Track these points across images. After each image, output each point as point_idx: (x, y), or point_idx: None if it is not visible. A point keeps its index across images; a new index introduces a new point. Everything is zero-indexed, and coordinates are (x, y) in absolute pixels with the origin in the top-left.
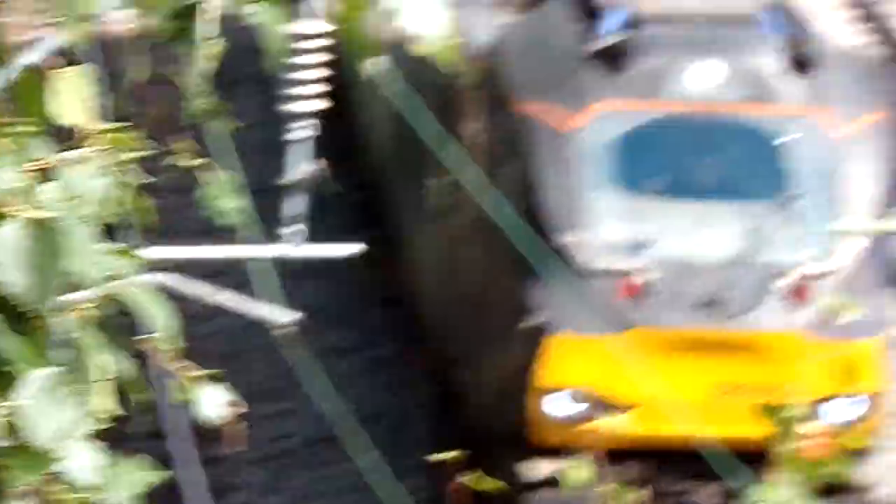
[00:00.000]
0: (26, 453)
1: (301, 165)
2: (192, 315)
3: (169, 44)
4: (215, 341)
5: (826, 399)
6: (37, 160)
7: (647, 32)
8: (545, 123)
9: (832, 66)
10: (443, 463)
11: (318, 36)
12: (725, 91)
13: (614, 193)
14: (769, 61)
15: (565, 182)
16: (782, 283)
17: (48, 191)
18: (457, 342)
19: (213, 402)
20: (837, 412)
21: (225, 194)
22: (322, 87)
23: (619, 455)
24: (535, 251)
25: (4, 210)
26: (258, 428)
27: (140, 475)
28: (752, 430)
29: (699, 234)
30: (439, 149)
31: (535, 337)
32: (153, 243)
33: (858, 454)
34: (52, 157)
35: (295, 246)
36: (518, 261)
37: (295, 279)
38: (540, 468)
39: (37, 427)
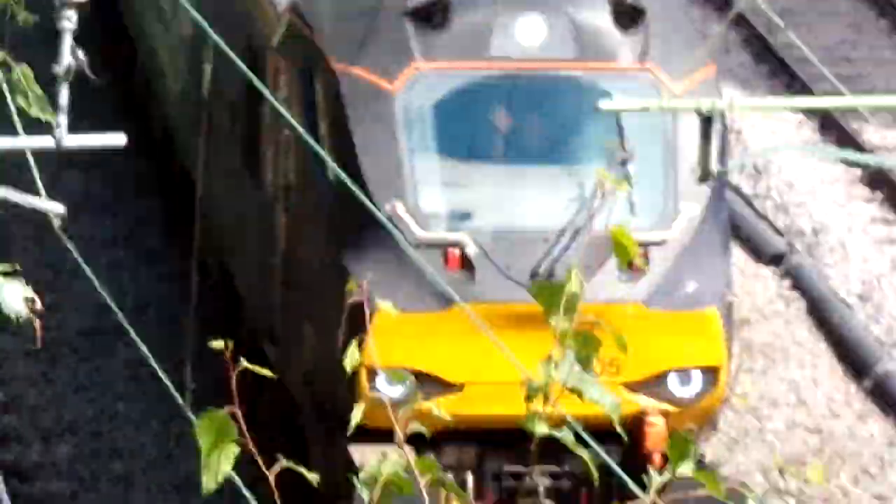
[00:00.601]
0: None
1: (64, 56)
2: None
3: None
4: None
5: (668, 372)
6: None
7: None
8: (361, 85)
9: (660, 20)
10: (214, 352)
11: None
12: (552, 48)
13: (437, 159)
14: (596, 16)
15: (385, 147)
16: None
17: None
18: (258, 293)
19: (15, 297)
20: (681, 384)
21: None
22: None
23: (451, 436)
24: (356, 220)
25: None
26: (27, 320)
27: None
28: (585, 407)
29: (528, 201)
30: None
31: (356, 312)
32: None
33: (703, 427)
34: None
35: (57, 137)
36: (335, 228)
37: (61, 169)
38: (365, 452)
39: None
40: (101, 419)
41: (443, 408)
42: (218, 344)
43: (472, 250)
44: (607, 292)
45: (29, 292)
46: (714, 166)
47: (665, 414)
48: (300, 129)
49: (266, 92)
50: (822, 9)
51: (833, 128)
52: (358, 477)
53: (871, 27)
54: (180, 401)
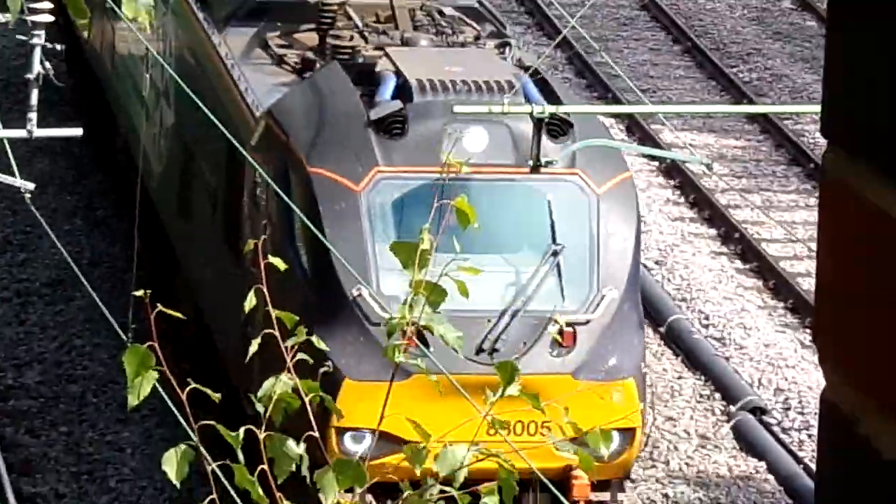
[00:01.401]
0: None
1: (35, 66)
2: None
3: None
4: None
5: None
6: None
7: (419, 101)
8: (331, 185)
9: (585, 133)
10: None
11: None
12: (494, 156)
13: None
14: (530, 127)
15: (352, 239)
16: (549, 331)
17: None
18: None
19: None
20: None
21: None
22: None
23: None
24: (326, 304)
25: None
26: (4, 273)
27: None
28: (520, 462)
29: (474, 286)
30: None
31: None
32: None
33: (617, 481)
34: None
35: (29, 129)
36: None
37: (33, 155)
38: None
39: None
40: (61, 352)
41: (400, 463)
42: (140, 293)
43: (421, 329)
44: (541, 366)
45: None
46: (542, 160)
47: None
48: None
49: (248, 157)
50: (629, 35)
51: (637, 130)
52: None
53: (668, 50)
54: (123, 337)
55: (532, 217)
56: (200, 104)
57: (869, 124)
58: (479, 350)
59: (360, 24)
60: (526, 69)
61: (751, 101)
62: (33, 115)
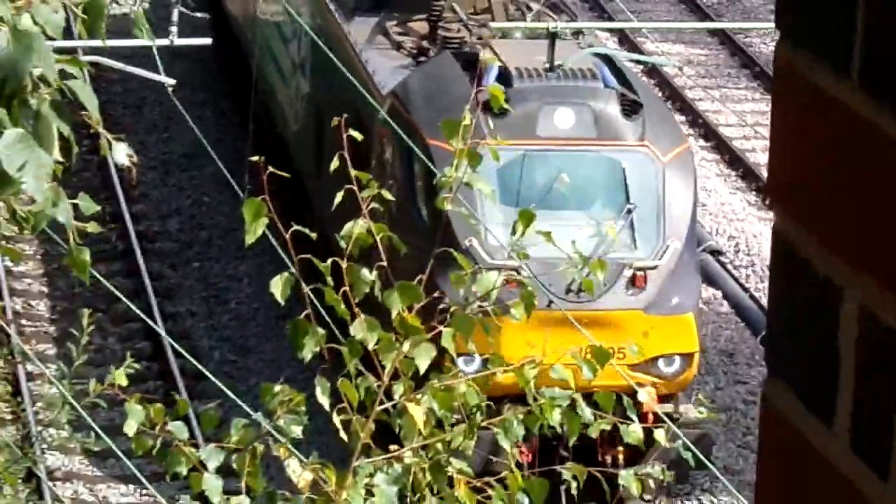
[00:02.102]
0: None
1: None
2: (109, 83)
3: None
4: (124, 96)
5: (659, 357)
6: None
7: (518, 87)
8: (446, 154)
9: (652, 112)
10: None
11: None
12: (579, 131)
13: (500, 209)
14: (609, 107)
15: (465, 200)
16: (625, 275)
17: (26, 18)
18: None
19: (122, 153)
20: (667, 365)
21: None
22: None
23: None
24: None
25: None
26: (152, 148)
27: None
28: (606, 381)
29: (563, 238)
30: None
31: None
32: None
33: (680, 393)
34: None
35: (171, 39)
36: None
37: (173, 59)
38: None
39: (11, 163)
40: (194, 206)
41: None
42: (254, 158)
43: (524, 273)
44: (618, 303)
45: (129, 150)
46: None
47: (655, 385)
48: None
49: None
50: None
51: (626, 42)
52: None
53: None
54: (241, 194)
55: (610, 181)
56: (345, 71)
57: (813, 18)
58: (568, 290)
59: (464, 17)
60: (601, 56)
61: (711, 20)
62: (174, 28)
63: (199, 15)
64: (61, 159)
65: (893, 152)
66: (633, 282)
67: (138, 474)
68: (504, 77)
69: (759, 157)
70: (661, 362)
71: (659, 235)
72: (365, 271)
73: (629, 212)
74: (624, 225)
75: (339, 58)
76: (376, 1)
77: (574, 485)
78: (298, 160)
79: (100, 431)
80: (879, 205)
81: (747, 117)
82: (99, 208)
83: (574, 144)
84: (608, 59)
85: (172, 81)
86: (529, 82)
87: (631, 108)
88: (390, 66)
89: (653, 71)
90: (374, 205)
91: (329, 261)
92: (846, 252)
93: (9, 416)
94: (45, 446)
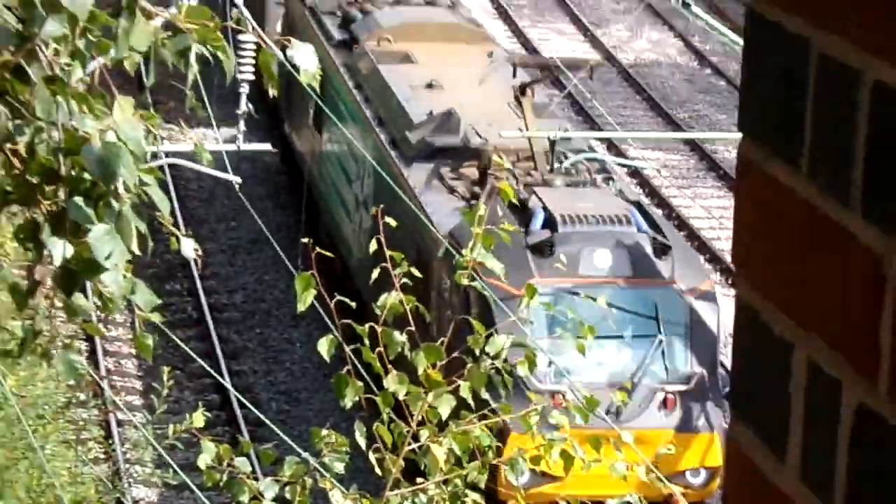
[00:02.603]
0: (89, 265)
1: (242, 106)
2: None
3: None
4: (199, 191)
5: (687, 470)
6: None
7: (562, 231)
8: (500, 291)
9: (677, 252)
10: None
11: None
12: (616, 270)
13: (548, 339)
14: (642, 249)
15: (514, 329)
16: (657, 398)
17: (111, 134)
18: None
19: (190, 246)
20: (694, 477)
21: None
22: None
23: None
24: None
25: (89, 135)
26: (222, 235)
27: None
28: (642, 493)
29: (604, 363)
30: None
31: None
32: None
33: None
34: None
35: (237, 144)
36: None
37: (239, 161)
38: None
39: (99, 252)
40: (256, 283)
41: (551, 490)
42: (304, 240)
43: (570, 396)
44: (652, 422)
45: (195, 244)
46: (554, 167)
47: (684, 494)
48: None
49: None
50: (609, 90)
51: (613, 148)
52: None
53: (632, 99)
54: (294, 272)
55: (644, 315)
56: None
57: (768, 119)
58: (607, 411)
59: (510, 166)
60: (632, 202)
61: (683, 131)
62: (240, 135)
63: (268, 149)
64: (139, 251)
65: (835, 232)
66: (664, 404)
67: None
68: (550, 222)
69: (724, 244)
70: (688, 474)
71: (687, 363)
72: (396, 334)
73: (660, 342)
74: (656, 354)
75: (399, 199)
76: (431, 151)
77: None
78: (360, 285)
79: (177, 468)
80: (823, 277)
81: (713, 211)
82: (160, 301)
83: (612, 282)
84: (640, 207)
85: (238, 179)
86: (572, 227)
87: (661, 249)
88: (446, 208)
89: (635, 172)
90: (405, 280)
91: (367, 325)
92: (796, 315)
93: (102, 456)
94: (131, 481)
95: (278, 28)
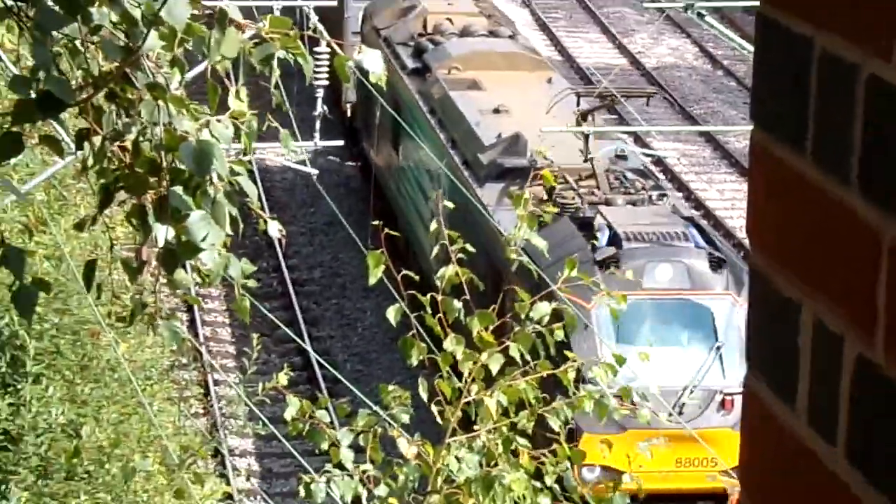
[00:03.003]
0: (188, 246)
1: (318, 108)
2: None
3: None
4: (282, 182)
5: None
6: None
7: (626, 248)
8: (570, 302)
9: (731, 264)
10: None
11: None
12: (676, 283)
13: (615, 345)
14: (699, 264)
15: (586, 339)
16: (716, 399)
17: (205, 132)
18: None
19: (275, 228)
20: None
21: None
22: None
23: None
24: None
25: (187, 134)
26: (301, 219)
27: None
28: (700, 486)
29: (667, 368)
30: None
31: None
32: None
33: None
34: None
35: (315, 142)
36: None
37: (317, 155)
38: None
39: (196, 234)
40: (332, 260)
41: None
42: (376, 222)
43: (636, 398)
44: (712, 423)
45: (279, 226)
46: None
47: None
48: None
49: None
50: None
51: (639, 141)
52: None
53: (654, 100)
54: (364, 250)
55: (702, 324)
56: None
57: (776, 110)
58: (670, 413)
59: (575, 186)
60: (687, 218)
61: (699, 125)
62: (317, 133)
63: (340, 144)
64: (231, 233)
65: (837, 208)
66: (722, 405)
67: (294, 451)
68: (615, 239)
69: (735, 222)
70: None
71: (742, 366)
72: (455, 301)
73: (718, 348)
74: (714, 359)
75: (474, 215)
76: (501, 171)
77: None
78: (435, 286)
79: (266, 420)
80: (827, 246)
81: (726, 194)
82: (255, 268)
83: (672, 294)
84: (694, 222)
85: (316, 171)
86: (636, 244)
87: (716, 263)
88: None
89: (658, 161)
90: (461, 255)
91: (429, 295)
92: (803, 278)
93: (201, 411)
94: (227, 432)
95: (355, 55)
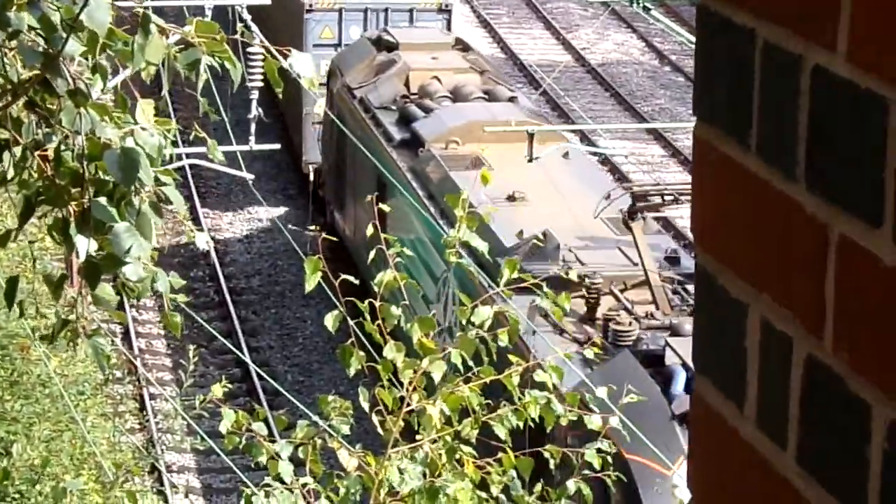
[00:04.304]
0: (111, 259)
1: (253, 111)
2: (206, 178)
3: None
4: (217, 188)
5: None
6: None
7: None
8: (646, 469)
9: None
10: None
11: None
12: None
13: None
14: None
15: None
16: None
17: (129, 140)
18: None
19: (203, 240)
20: None
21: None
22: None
23: None
24: None
25: (110, 142)
26: (237, 226)
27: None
28: None
29: None
30: None
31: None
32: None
33: None
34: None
35: (250, 145)
36: None
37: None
38: None
39: (120, 246)
40: (271, 268)
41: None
42: (313, 227)
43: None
44: None
45: (207, 237)
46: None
47: None
48: None
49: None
50: (581, 87)
51: (586, 139)
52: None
53: (601, 95)
54: (303, 256)
55: None
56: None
57: (719, 103)
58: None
59: (630, 307)
60: None
61: (646, 122)
62: (252, 137)
63: (277, 148)
64: (157, 245)
65: (783, 203)
66: None
67: (233, 466)
68: (692, 383)
69: (685, 221)
70: None
71: None
72: (393, 308)
73: None
74: None
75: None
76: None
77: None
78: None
79: (204, 435)
80: (773, 243)
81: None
82: (184, 282)
83: None
84: None
85: (251, 176)
86: None
87: None
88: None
89: (606, 160)
90: (398, 259)
91: (367, 301)
92: (749, 278)
93: (137, 426)
94: (164, 447)
95: (316, 109)
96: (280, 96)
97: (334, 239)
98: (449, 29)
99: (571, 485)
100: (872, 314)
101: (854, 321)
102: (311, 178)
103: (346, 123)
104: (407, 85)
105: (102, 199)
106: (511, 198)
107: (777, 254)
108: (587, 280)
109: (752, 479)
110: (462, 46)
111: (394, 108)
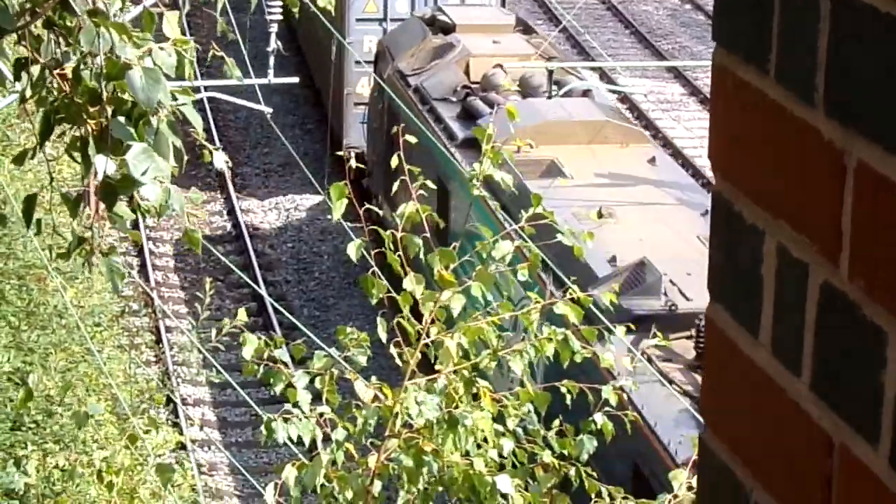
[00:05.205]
0: (128, 180)
1: (272, 44)
2: (224, 112)
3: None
4: (235, 121)
5: None
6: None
7: None
8: None
9: None
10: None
11: None
12: None
13: None
14: None
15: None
16: None
17: (149, 60)
18: None
19: (221, 159)
20: None
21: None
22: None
23: None
24: None
25: (130, 62)
26: (255, 159)
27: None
28: None
29: None
30: None
31: None
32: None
33: None
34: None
35: (269, 77)
36: None
37: (271, 93)
38: None
39: (136, 169)
40: (287, 202)
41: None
42: (340, 152)
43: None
44: None
45: (225, 156)
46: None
47: None
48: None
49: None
50: (602, 25)
51: (605, 77)
52: None
53: (622, 32)
54: (317, 186)
55: None
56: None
57: (739, 28)
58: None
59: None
60: None
61: (667, 60)
62: (270, 70)
63: (296, 81)
64: (175, 164)
65: (801, 129)
66: None
67: (248, 399)
68: None
69: (704, 161)
70: None
71: None
72: (414, 237)
73: None
74: None
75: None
76: (629, 319)
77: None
78: None
79: (220, 367)
80: (791, 169)
81: (694, 131)
82: (204, 197)
83: None
84: None
85: (270, 109)
86: None
87: None
88: (669, 412)
89: (625, 98)
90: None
91: (389, 231)
92: (766, 204)
93: (153, 359)
94: (179, 380)
95: (359, 88)
96: (352, 137)
97: (361, 165)
98: (504, 5)
99: (599, 418)
100: (890, 241)
101: (871, 248)
102: (352, 164)
103: (400, 113)
104: (467, 73)
105: (121, 119)
106: (599, 215)
107: (794, 180)
108: (696, 320)
109: (765, 406)
110: (523, 28)
111: (454, 100)
